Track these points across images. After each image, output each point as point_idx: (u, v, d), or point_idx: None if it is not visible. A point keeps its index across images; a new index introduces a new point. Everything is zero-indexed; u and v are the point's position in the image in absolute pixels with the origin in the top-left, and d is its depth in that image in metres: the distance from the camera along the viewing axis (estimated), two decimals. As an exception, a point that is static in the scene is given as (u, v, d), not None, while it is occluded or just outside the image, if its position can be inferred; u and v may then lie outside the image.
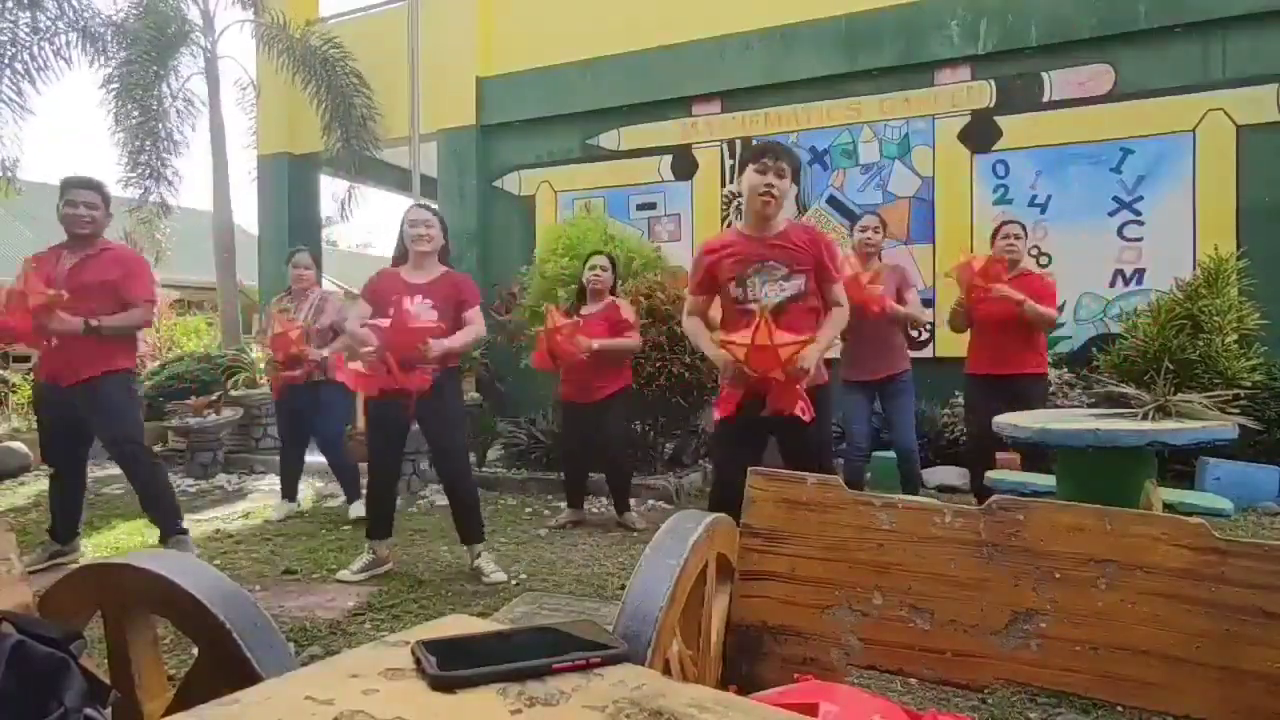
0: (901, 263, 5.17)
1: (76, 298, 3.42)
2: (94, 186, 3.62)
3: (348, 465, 4.90)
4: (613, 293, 4.48)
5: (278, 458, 5.25)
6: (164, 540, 3.72)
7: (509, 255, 7.94)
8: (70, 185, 3.59)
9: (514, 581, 3.46)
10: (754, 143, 2.92)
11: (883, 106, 6.73)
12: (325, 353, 4.62)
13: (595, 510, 4.92)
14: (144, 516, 4.83)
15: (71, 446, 3.76)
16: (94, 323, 3.46)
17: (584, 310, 4.37)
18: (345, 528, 4.53)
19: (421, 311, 3.27)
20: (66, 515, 3.78)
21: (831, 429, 3.05)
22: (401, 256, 3.48)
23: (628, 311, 4.39)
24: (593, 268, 4.40)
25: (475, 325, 3.44)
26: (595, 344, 4.10)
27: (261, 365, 5.03)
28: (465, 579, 3.49)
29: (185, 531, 3.82)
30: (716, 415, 2.80)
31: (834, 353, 4.01)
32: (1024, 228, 4.34)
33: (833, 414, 3.24)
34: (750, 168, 2.75)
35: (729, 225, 7.36)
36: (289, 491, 5.01)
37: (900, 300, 4.20)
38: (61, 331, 3.41)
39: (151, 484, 3.75)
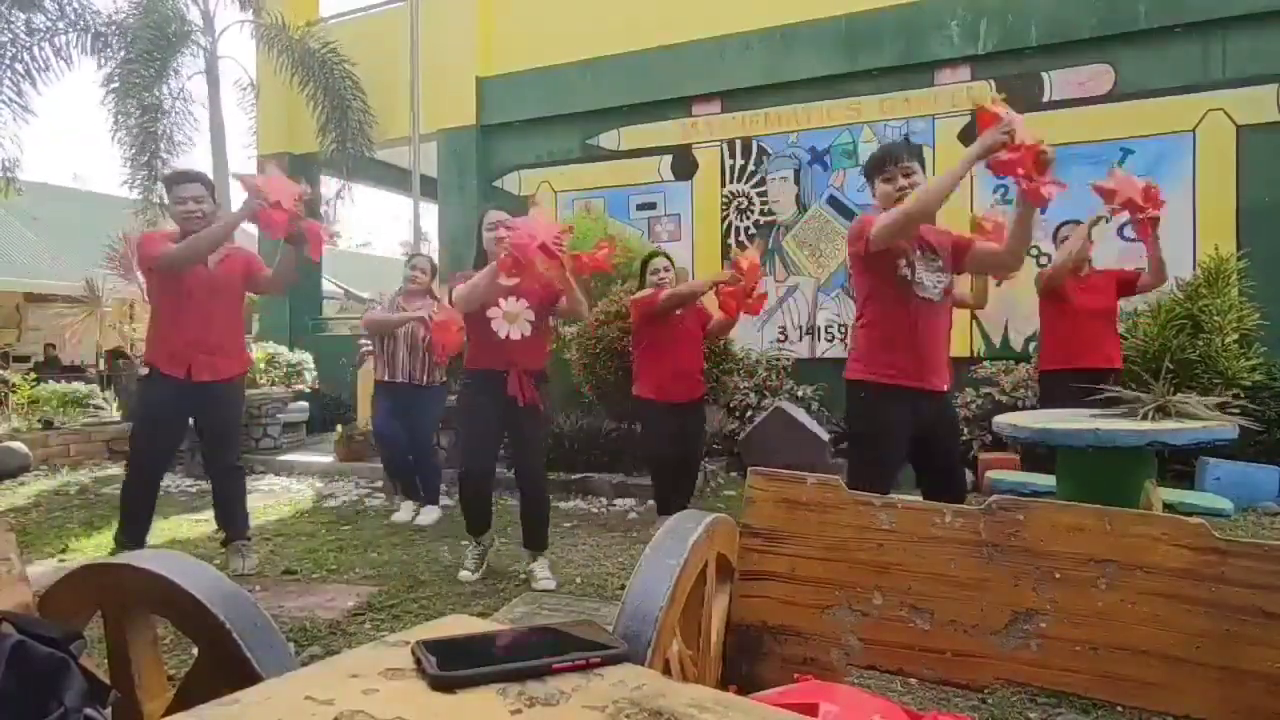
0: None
1: (222, 294, 3.45)
2: (198, 179, 3.54)
3: (436, 468, 4.87)
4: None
5: (286, 458, 5.18)
6: (229, 543, 3.68)
7: (509, 255, 7.93)
8: (176, 180, 3.52)
9: (515, 581, 3.46)
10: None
11: (883, 106, 6.73)
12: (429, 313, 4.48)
13: (595, 510, 4.92)
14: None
15: (175, 446, 3.72)
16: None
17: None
18: (345, 528, 4.53)
19: (519, 312, 3.26)
20: (146, 518, 3.67)
21: None
22: (482, 260, 3.43)
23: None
24: (654, 270, 4.22)
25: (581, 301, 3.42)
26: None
27: (366, 348, 4.89)
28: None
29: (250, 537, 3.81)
30: (863, 374, 2.65)
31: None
32: (1079, 223, 4.25)
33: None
34: (878, 180, 2.70)
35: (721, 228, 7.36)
36: (412, 491, 4.85)
37: None
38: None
39: (239, 487, 3.75)
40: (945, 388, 2.71)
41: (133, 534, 3.52)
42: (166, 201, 3.54)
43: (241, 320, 3.79)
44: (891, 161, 2.66)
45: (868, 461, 2.71)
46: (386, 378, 4.63)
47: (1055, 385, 4.11)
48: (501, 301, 3.24)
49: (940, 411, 2.72)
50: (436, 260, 5.88)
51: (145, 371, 3.53)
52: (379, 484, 5.64)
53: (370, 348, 4.97)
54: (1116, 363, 4.13)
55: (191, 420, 3.60)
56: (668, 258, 4.31)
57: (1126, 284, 4.21)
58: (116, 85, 8.88)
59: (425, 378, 4.62)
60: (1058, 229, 4.48)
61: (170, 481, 6.19)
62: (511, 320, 3.27)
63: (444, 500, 4.82)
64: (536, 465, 3.49)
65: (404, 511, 4.74)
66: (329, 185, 10.64)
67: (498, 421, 3.39)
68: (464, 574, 3.50)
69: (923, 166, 2.67)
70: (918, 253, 2.65)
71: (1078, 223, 4.29)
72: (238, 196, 11.13)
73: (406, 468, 4.81)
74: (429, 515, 4.67)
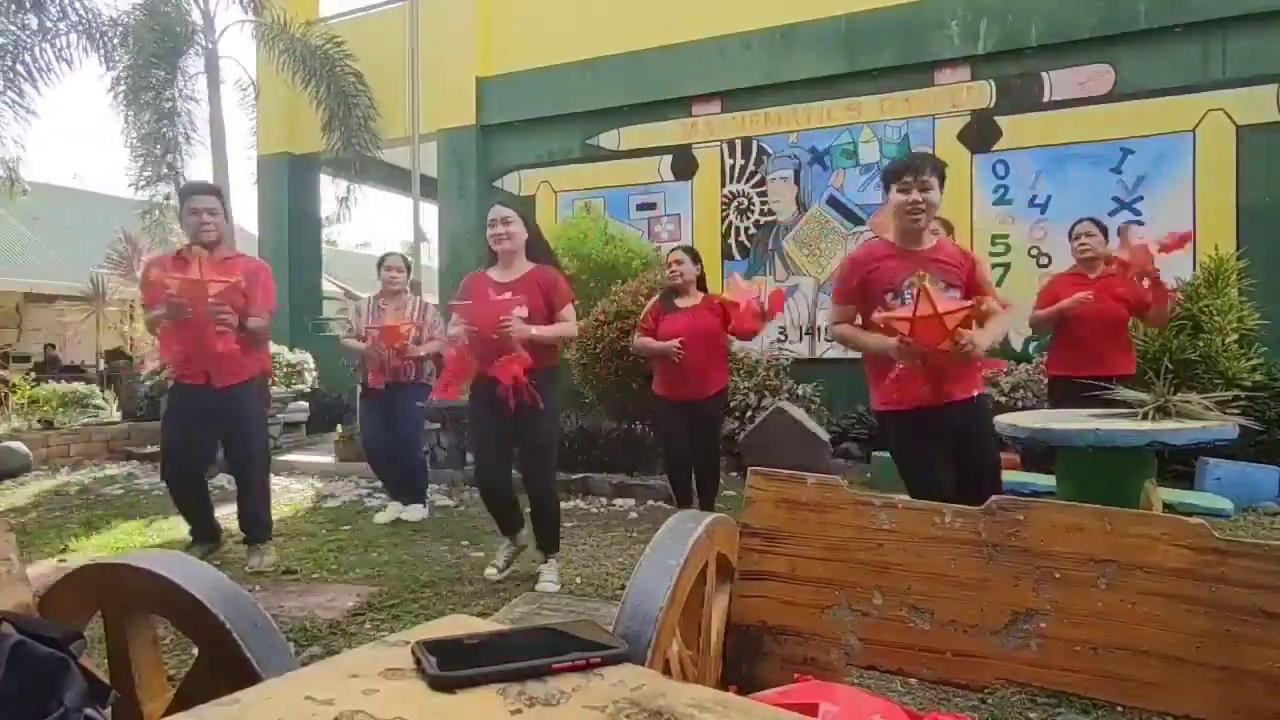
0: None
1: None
2: (213, 191, 3.60)
3: (422, 465, 4.87)
4: (701, 287, 4.26)
5: (286, 458, 5.18)
6: (255, 543, 3.74)
7: (509, 255, 7.93)
8: (191, 191, 3.57)
9: (515, 581, 3.46)
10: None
11: (883, 106, 6.73)
12: (422, 351, 4.56)
13: (595, 510, 4.92)
14: (143, 517, 4.86)
15: (211, 450, 3.82)
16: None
17: (679, 305, 4.17)
18: (345, 528, 4.53)
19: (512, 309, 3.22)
20: (210, 514, 3.78)
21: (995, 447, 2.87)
22: (489, 258, 3.47)
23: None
24: (667, 265, 4.23)
25: (568, 323, 3.38)
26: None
27: (354, 363, 4.88)
28: (465, 579, 3.48)
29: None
30: (881, 406, 2.68)
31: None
32: (1099, 225, 4.19)
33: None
34: (893, 188, 2.65)
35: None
36: (400, 491, 4.84)
37: None
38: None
39: (264, 491, 3.81)
40: (972, 394, 2.66)
41: (194, 533, 3.74)
42: (179, 211, 3.55)
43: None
44: (911, 173, 2.63)
45: (918, 488, 2.66)
46: (370, 383, 4.62)
47: (1062, 391, 4.08)
48: (492, 294, 3.22)
49: (968, 418, 2.66)
50: (436, 261, 5.88)
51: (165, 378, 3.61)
52: (379, 484, 5.64)
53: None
54: (1123, 370, 3.99)
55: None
56: (688, 252, 4.23)
57: (1138, 306, 4.03)
58: (124, 88, 8.88)
59: (408, 376, 4.58)
60: (1072, 228, 4.33)
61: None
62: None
63: (442, 499, 4.81)
64: (540, 471, 3.43)
65: (389, 511, 4.75)
66: (329, 186, 10.62)
67: (498, 428, 3.33)
68: (490, 570, 3.49)
69: (942, 183, 2.64)
70: (910, 279, 2.62)
71: (1094, 221, 4.20)
72: (238, 197, 11.12)
73: (394, 469, 4.82)
74: (414, 513, 4.68)
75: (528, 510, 3.50)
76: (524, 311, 3.21)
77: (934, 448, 2.62)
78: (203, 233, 3.45)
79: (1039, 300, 4.22)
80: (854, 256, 2.83)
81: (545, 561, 3.46)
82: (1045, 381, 4.49)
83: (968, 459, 2.65)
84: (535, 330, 3.19)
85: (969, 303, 2.51)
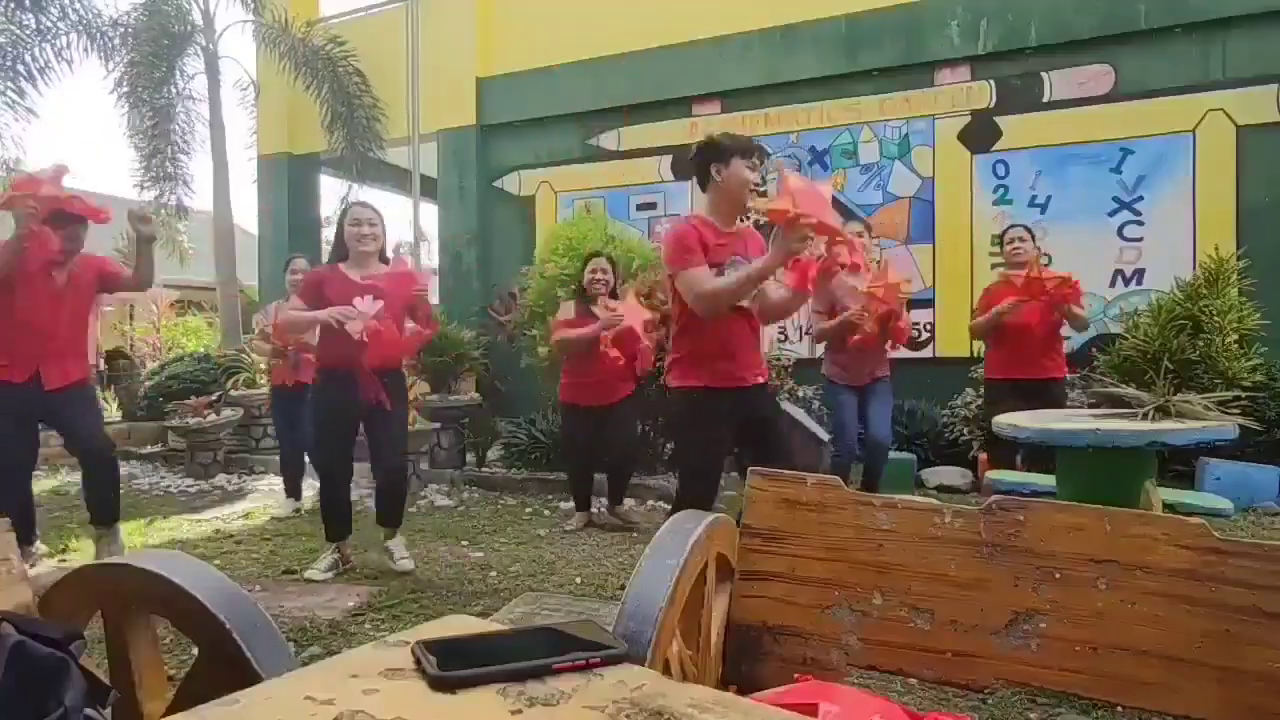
0: (902, 262, 5.19)
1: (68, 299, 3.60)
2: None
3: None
4: (613, 295, 4.46)
5: (278, 457, 5.28)
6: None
7: (509, 256, 7.94)
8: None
9: (515, 581, 3.46)
10: (740, 138, 2.85)
11: (883, 106, 6.73)
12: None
13: (595, 510, 4.92)
14: (142, 516, 4.86)
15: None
16: None
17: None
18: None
19: (370, 309, 3.28)
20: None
21: None
22: (341, 255, 3.47)
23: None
24: (590, 271, 4.39)
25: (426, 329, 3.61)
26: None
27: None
28: (465, 579, 3.49)
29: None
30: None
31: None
32: (1029, 230, 4.51)
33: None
34: (740, 161, 2.67)
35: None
36: (293, 490, 5.06)
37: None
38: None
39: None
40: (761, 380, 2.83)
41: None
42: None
43: (87, 324, 3.86)
44: (759, 154, 2.74)
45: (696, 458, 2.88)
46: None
47: (997, 393, 4.42)
48: (356, 300, 3.27)
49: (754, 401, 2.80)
50: (436, 261, 5.91)
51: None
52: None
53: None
54: (1054, 373, 4.34)
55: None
56: (610, 261, 4.46)
57: (1060, 299, 4.17)
58: (126, 89, 8.88)
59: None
60: (1003, 234, 4.63)
61: (171, 481, 6.20)
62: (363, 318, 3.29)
63: (442, 499, 4.83)
64: (395, 458, 3.60)
65: (283, 509, 5.02)
66: (330, 185, 10.63)
67: (352, 422, 3.49)
68: (311, 571, 3.56)
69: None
70: (730, 259, 2.69)
71: (1025, 228, 4.53)
72: (238, 197, 11.12)
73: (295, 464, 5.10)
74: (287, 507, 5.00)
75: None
76: (380, 309, 3.30)
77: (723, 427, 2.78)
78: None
79: (979, 305, 4.51)
80: (685, 224, 2.79)
81: (390, 537, 3.67)
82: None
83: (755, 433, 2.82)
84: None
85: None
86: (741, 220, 2.85)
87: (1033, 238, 4.50)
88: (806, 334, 7.02)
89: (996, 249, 6.33)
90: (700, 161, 2.74)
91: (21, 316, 3.45)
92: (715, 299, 2.62)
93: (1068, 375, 4.56)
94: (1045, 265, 4.53)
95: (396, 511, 3.66)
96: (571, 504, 4.72)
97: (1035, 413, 3.67)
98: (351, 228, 3.39)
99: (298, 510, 4.97)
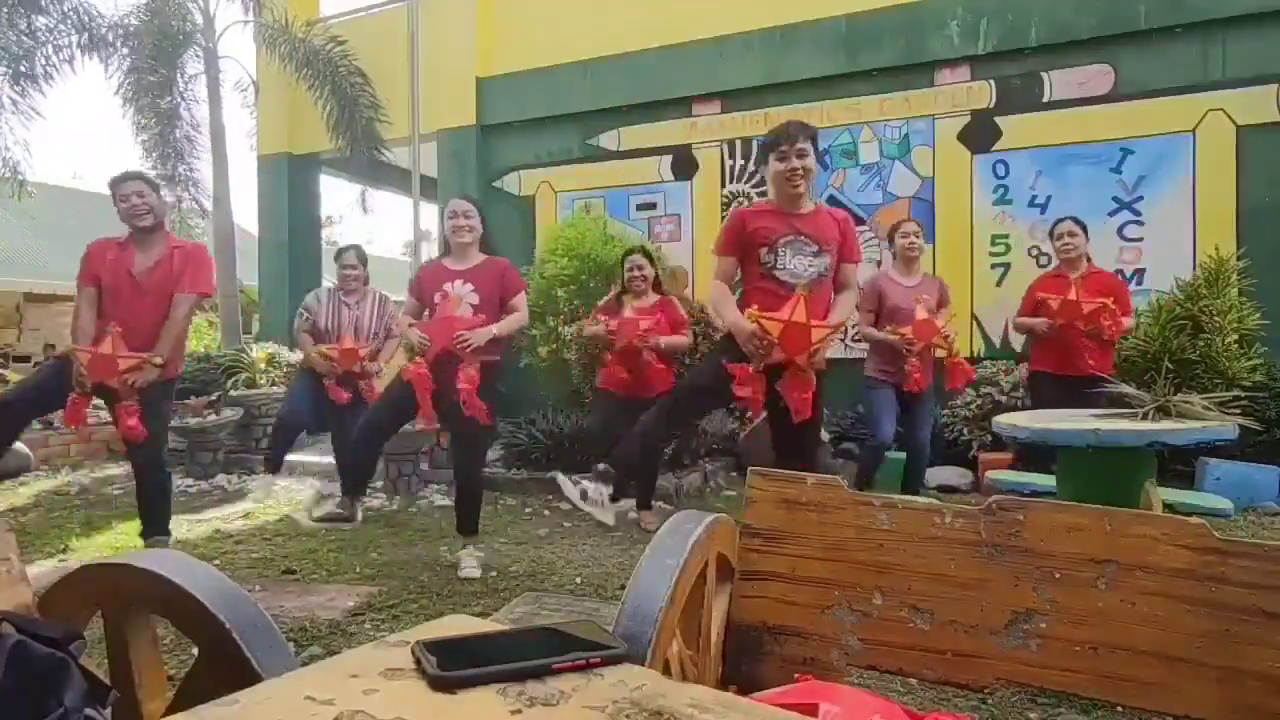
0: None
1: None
2: (138, 176, 3.63)
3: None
4: (656, 287, 4.52)
5: (287, 457, 5.18)
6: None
7: (509, 255, 7.77)
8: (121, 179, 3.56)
9: (515, 581, 3.46)
10: (757, 140, 3.08)
11: (883, 106, 6.72)
12: (380, 366, 4.61)
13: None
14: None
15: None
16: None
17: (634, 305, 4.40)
18: (346, 528, 4.52)
19: (464, 294, 3.41)
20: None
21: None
22: (445, 249, 3.67)
23: (680, 309, 4.52)
24: (628, 268, 4.45)
25: (520, 313, 3.59)
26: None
27: (302, 358, 4.93)
28: (465, 579, 3.49)
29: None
30: (742, 393, 2.77)
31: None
32: (1081, 224, 4.44)
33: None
34: (770, 157, 2.85)
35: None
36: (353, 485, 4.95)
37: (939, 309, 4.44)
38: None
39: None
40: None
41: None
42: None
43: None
44: (787, 140, 2.81)
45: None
46: (334, 398, 4.65)
47: (1042, 385, 4.40)
48: (446, 286, 3.41)
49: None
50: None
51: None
52: (379, 484, 5.64)
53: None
54: (1100, 371, 4.17)
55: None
56: (647, 255, 4.50)
57: (1095, 330, 4.18)
58: (131, 91, 8.88)
59: (371, 393, 4.56)
60: (1054, 227, 4.57)
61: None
62: (455, 305, 3.40)
63: (442, 499, 4.80)
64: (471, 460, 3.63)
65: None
66: (330, 186, 10.64)
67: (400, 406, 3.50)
68: (300, 514, 3.79)
69: (815, 146, 2.85)
70: (784, 239, 2.82)
71: (1075, 220, 4.46)
72: (238, 197, 11.13)
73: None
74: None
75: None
76: (475, 297, 3.42)
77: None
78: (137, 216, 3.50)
79: (1025, 300, 4.49)
80: (738, 211, 3.05)
81: (463, 547, 3.64)
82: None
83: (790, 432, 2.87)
84: (496, 328, 3.39)
85: (837, 324, 2.77)
86: (811, 203, 2.95)
87: (1084, 231, 4.40)
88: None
89: (1000, 250, 6.36)
90: (759, 160, 3.01)
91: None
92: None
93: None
94: (1091, 266, 4.49)
95: (461, 517, 3.65)
96: (631, 502, 4.56)
97: (1035, 413, 3.68)
98: (449, 221, 3.57)
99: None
